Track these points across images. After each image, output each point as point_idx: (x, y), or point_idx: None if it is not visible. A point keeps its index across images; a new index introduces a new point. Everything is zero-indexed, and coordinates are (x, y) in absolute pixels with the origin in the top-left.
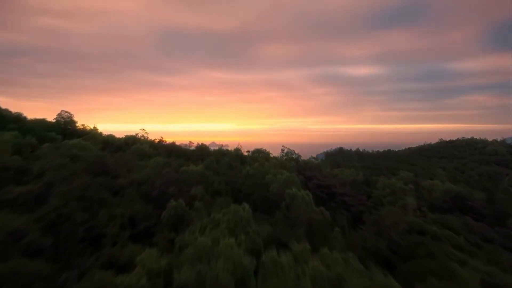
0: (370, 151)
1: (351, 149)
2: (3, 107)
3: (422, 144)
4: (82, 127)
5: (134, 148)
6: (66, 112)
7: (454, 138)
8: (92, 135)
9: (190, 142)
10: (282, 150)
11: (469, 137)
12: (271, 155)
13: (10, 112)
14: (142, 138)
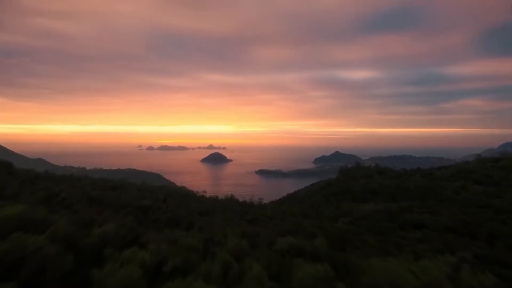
0: (390, 165)
1: (370, 165)
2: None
3: (459, 162)
4: None
5: None
6: None
7: (497, 156)
8: None
9: None
10: None
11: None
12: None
13: None
14: None
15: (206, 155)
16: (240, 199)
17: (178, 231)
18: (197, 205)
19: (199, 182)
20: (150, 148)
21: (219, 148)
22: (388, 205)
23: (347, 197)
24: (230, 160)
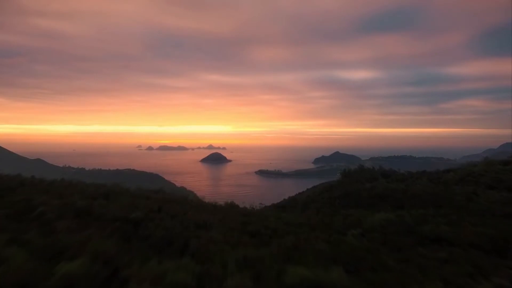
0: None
1: (373, 167)
2: None
3: (458, 162)
4: None
5: None
6: None
7: (506, 158)
8: None
9: None
10: None
11: None
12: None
13: None
14: None
15: (206, 155)
16: (241, 204)
17: (169, 258)
18: (195, 215)
19: (199, 182)
20: (150, 148)
21: (218, 148)
22: (400, 214)
23: (351, 201)
24: (230, 161)
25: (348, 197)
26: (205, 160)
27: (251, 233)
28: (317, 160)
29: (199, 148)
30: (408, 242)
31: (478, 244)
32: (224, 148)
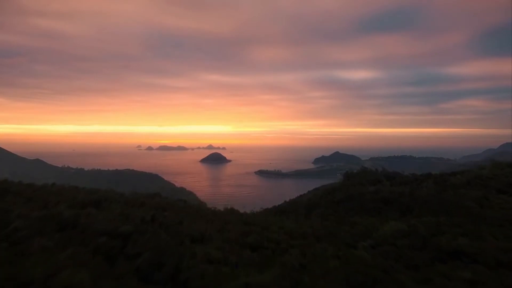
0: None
1: (376, 169)
2: None
3: (472, 168)
4: None
5: None
6: None
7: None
8: None
9: None
10: None
11: None
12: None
13: None
14: None
15: (206, 155)
16: (240, 205)
17: None
18: (191, 225)
19: (199, 183)
20: (149, 148)
21: (218, 148)
22: (412, 224)
23: (355, 205)
24: (230, 161)
25: (351, 200)
26: (205, 160)
27: (252, 246)
28: (317, 160)
29: (199, 148)
30: (425, 258)
31: (506, 261)
32: (224, 148)
